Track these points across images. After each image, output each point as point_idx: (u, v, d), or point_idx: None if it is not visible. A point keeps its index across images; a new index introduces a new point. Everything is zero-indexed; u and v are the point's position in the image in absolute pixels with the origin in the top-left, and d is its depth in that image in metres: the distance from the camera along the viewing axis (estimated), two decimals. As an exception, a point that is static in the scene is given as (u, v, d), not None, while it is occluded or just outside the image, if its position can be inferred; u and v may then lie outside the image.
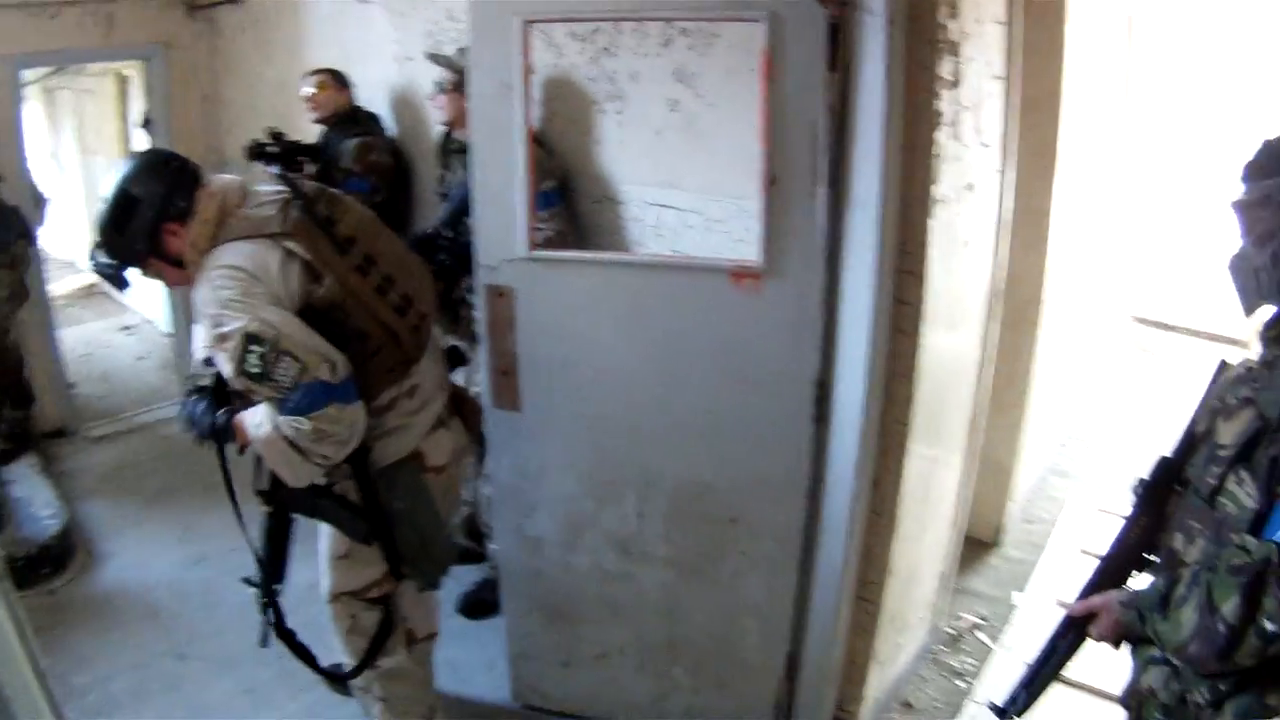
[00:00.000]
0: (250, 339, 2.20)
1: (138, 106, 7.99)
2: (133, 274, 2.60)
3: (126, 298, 8.52)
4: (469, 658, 3.73)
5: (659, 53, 3.12)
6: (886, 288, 2.51)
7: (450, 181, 3.92)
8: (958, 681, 3.57)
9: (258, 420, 2.36)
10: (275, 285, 2.30)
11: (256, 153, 4.50)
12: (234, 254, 2.34)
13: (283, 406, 2.25)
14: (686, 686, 3.21)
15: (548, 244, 3.19)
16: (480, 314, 2.98)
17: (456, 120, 3.72)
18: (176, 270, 2.49)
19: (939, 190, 2.48)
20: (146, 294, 7.41)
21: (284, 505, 2.61)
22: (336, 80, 4.51)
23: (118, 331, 8.42)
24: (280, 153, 4.47)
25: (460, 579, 4.09)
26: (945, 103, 2.41)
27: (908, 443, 2.74)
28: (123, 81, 9.11)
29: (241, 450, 2.51)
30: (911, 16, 2.31)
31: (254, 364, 2.21)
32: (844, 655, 3.06)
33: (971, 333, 3.07)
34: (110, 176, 2.49)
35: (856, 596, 2.97)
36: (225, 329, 2.24)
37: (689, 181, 3.19)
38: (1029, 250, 3.79)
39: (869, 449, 2.70)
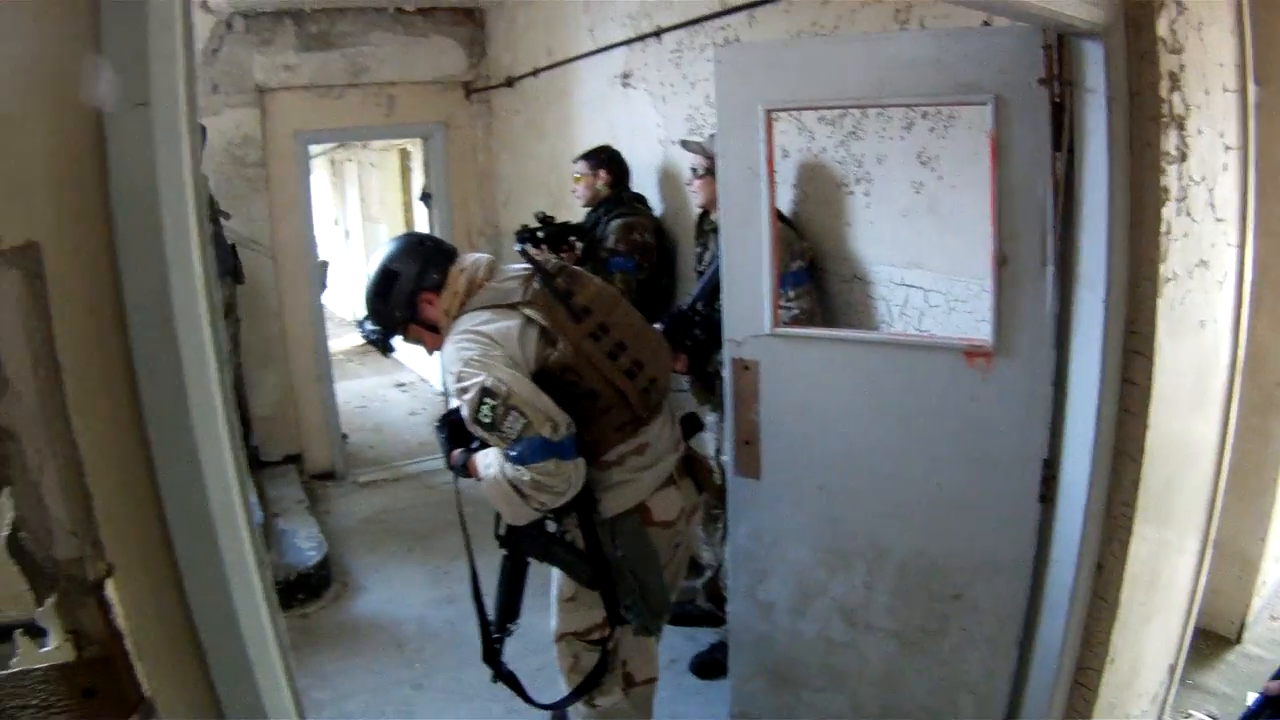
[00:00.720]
0: (485, 393, 2.50)
1: (419, 180, 8.74)
2: (397, 341, 3.01)
3: (403, 358, 9.26)
4: (695, 714, 3.89)
5: (902, 136, 3.29)
6: (1114, 368, 2.52)
7: (706, 260, 4.10)
8: None
9: (488, 461, 2.67)
10: (513, 348, 2.60)
11: (525, 236, 4.74)
12: (478, 320, 2.67)
13: (509, 454, 2.53)
14: None
15: (795, 321, 3.38)
16: (727, 387, 3.18)
17: (710, 203, 3.93)
18: (433, 335, 2.88)
19: (1168, 268, 2.47)
20: (424, 357, 8.04)
21: (519, 549, 2.90)
22: (592, 166, 4.79)
23: (393, 388, 9.15)
24: (548, 235, 4.75)
25: (697, 640, 4.31)
26: (1172, 178, 2.40)
27: (1134, 525, 2.69)
28: (405, 156, 9.91)
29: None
30: (1133, 93, 2.33)
31: (486, 415, 2.51)
32: None
33: (1209, 415, 2.99)
34: (375, 257, 2.95)
35: (1074, 681, 2.92)
36: (465, 384, 2.55)
37: (933, 261, 3.31)
38: (1277, 329, 3.70)
39: (1093, 531, 2.70)
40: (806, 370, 3.03)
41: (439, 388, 8.09)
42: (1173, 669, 3.44)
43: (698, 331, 3.78)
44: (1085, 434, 2.57)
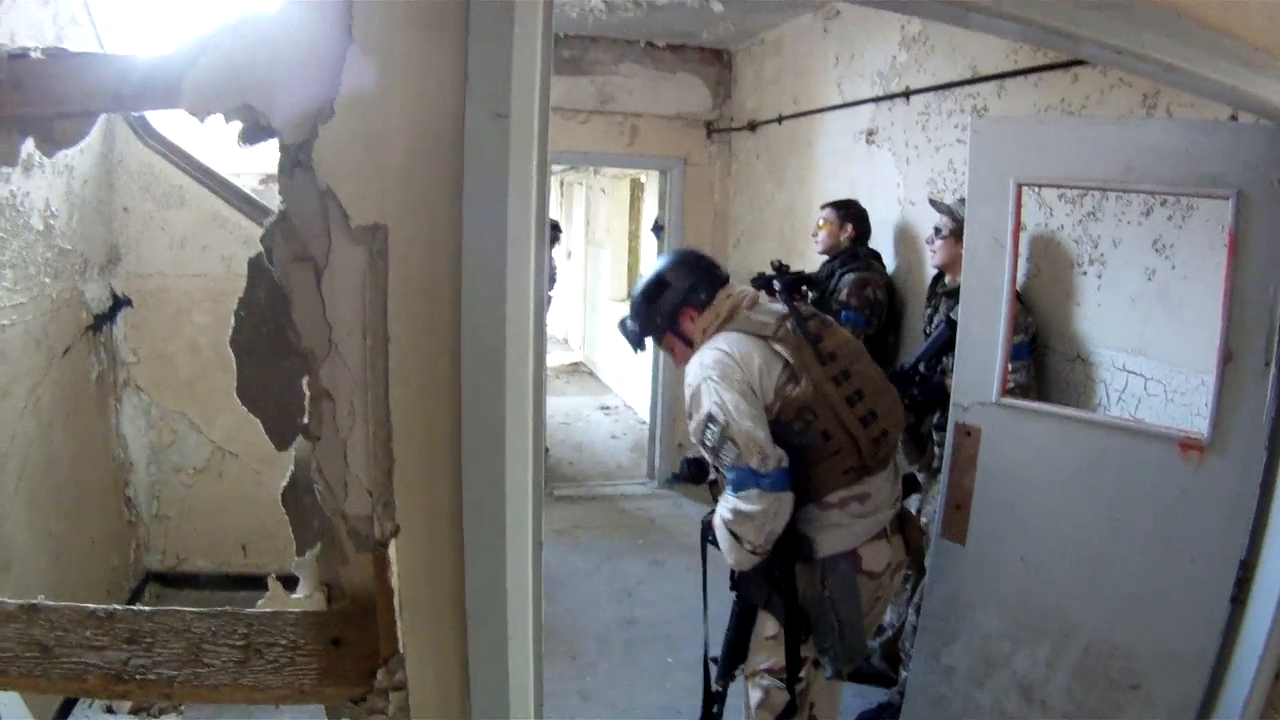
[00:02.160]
0: (709, 419, 2.78)
1: (648, 210, 9.07)
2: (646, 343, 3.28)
3: (611, 382, 9.58)
4: (855, 770, 3.98)
5: (1140, 221, 3.36)
6: None
7: (935, 322, 4.22)
8: None
9: (719, 515, 2.90)
10: (752, 375, 2.83)
11: (762, 283, 4.79)
12: (728, 341, 2.91)
13: (727, 481, 2.81)
14: None
15: (1010, 394, 3.47)
16: (945, 450, 3.31)
17: (948, 265, 4.07)
18: (683, 348, 3.13)
19: None
20: (631, 384, 8.30)
21: (746, 594, 3.07)
22: (841, 217, 4.92)
23: (597, 409, 9.49)
24: (784, 283, 4.84)
25: (865, 697, 4.41)
26: None
27: None
28: (636, 186, 10.26)
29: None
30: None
31: (709, 439, 2.79)
32: None
33: None
34: (654, 262, 3.23)
35: None
36: (697, 401, 2.85)
37: (1156, 350, 3.35)
38: None
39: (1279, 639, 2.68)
40: (1025, 442, 3.13)
41: (643, 416, 8.35)
42: None
43: (915, 391, 3.91)
44: None
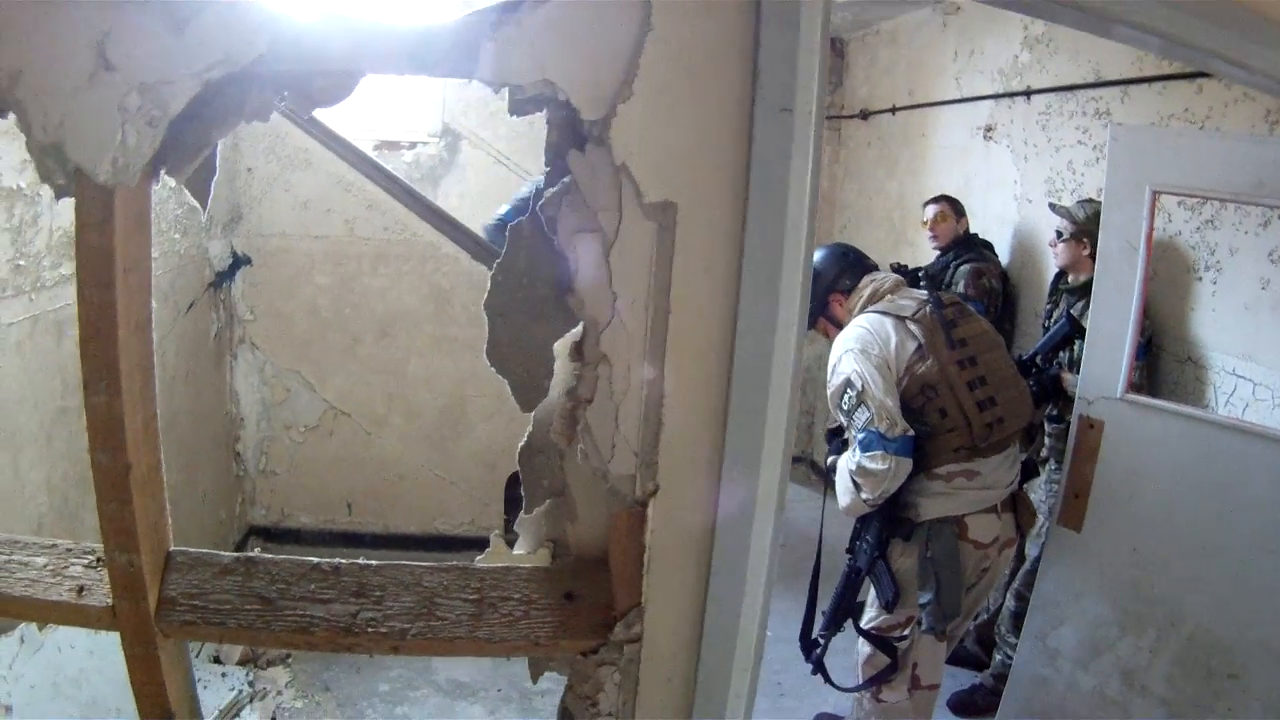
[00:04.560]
0: (847, 384, 3.09)
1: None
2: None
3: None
4: (947, 744, 4.15)
5: (1258, 232, 3.48)
6: None
7: (1054, 317, 4.29)
8: None
9: (844, 460, 3.18)
10: (888, 352, 3.10)
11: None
12: (869, 320, 3.21)
13: (855, 439, 3.06)
14: None
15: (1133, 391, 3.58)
16: (1069, 441, 3.47)
17: (1070, 266, 4.18)
18: (835, 332, 3.39)
19: None
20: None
21: (854, 561, 3.30)
22: (956, 209, 5.06)
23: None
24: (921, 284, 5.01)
25: (957, 678, 4.54)
26: None
27: None
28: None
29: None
30: None
31: (845, 403, 3.10)
32: None
33: None
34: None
35: None
36: (838, 368, 3.16)
37: (1267, 357, 3.47)
38: None
39: None
40: (1146, 438, 3.27)
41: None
42: None
43: (1032, 383, 3.93)
44: None
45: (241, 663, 4.27)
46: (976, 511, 3.15)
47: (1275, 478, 2.96)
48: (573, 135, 1.41)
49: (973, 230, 5.07)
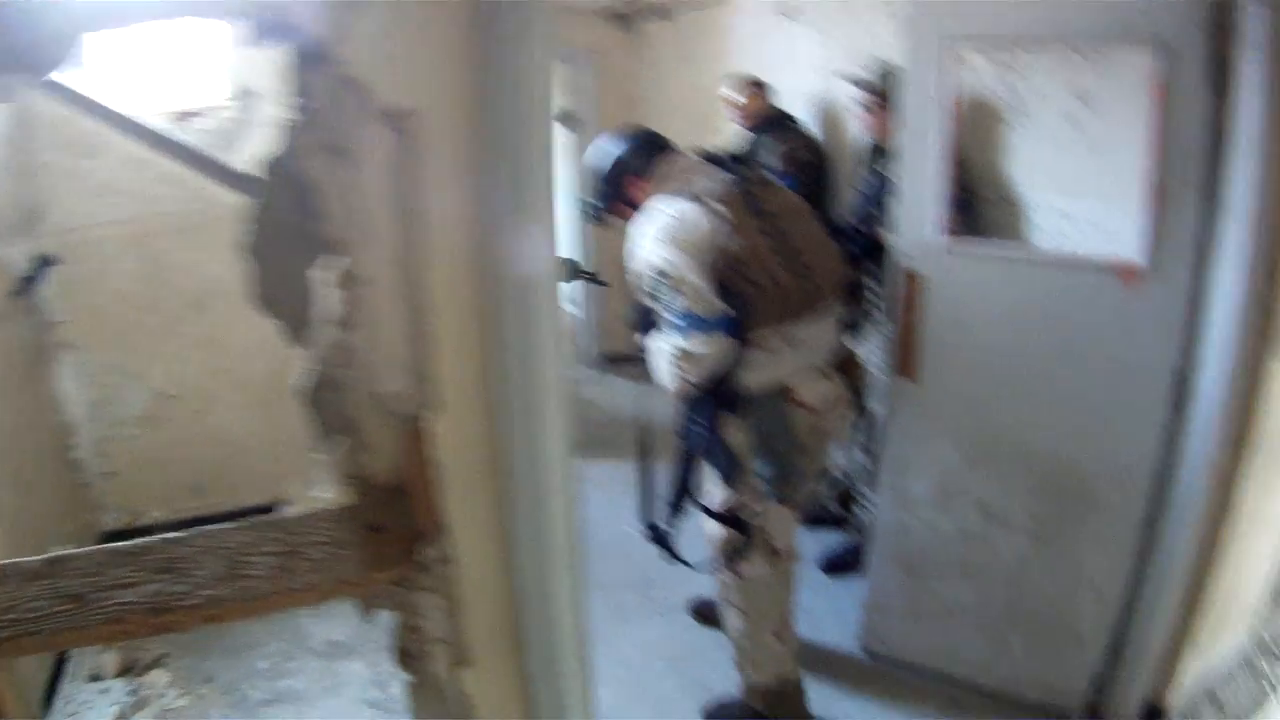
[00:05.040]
0: (660, 274, 2.95)
1: (556, 103, 9.07)
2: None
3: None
4: (822, 608, 4.29)
5: (1062, 72, 3.59)
6: (1254, 293, 2.77)
7: (869, 181, 4.38)
8: (1271, 691, 3.64)
9: (660, 341, 3.07)
10: (693, 232, 2.97)
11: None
12: (671, 203, 3.08)
13: (671, 326, 2.96)
14: (1018, 649, 3.56)
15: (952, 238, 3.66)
16: (892, 293, 3.50)
17: (879, 133, 4.25)
18: (635, 216, 3.27)
19: None
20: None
21: (686, 443, 3.24)
22: (758, 87, 5.07)
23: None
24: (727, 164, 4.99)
25: (825, 541, 4.73)
26: None
27: (1258, 441, 2.92)
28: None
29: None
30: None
31: (658, 291, 2.96)
32: (1166, 640, 3.25)
33: None
34: (602, 138, 3.49)
35: (1190, 585, 3.16)
36: (644, 256, 3.02)
37: (1080, 188, 3.60)
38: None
39: (1221, 443, 2.94)
40: (969, 281, 3.33)
41: (572, 309, 8.42)
42: (1275, 589, 3.66)
43: (851, 246, 4.06)
44: (1222, 351, 2.86)
45: (119, 674, 4.12)
46: (801, 375, 3.14)
47: (1101, 303, 3.08)
48: (306, 56, 1.37)
49: (781, 108, 5.07)
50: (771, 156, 4.86)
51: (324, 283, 1.48)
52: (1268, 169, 2.68)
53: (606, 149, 3.40)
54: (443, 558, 1.56)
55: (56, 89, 4.19)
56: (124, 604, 1.42)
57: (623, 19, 7.25)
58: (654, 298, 3.02)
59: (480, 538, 1.62)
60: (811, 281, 3.09)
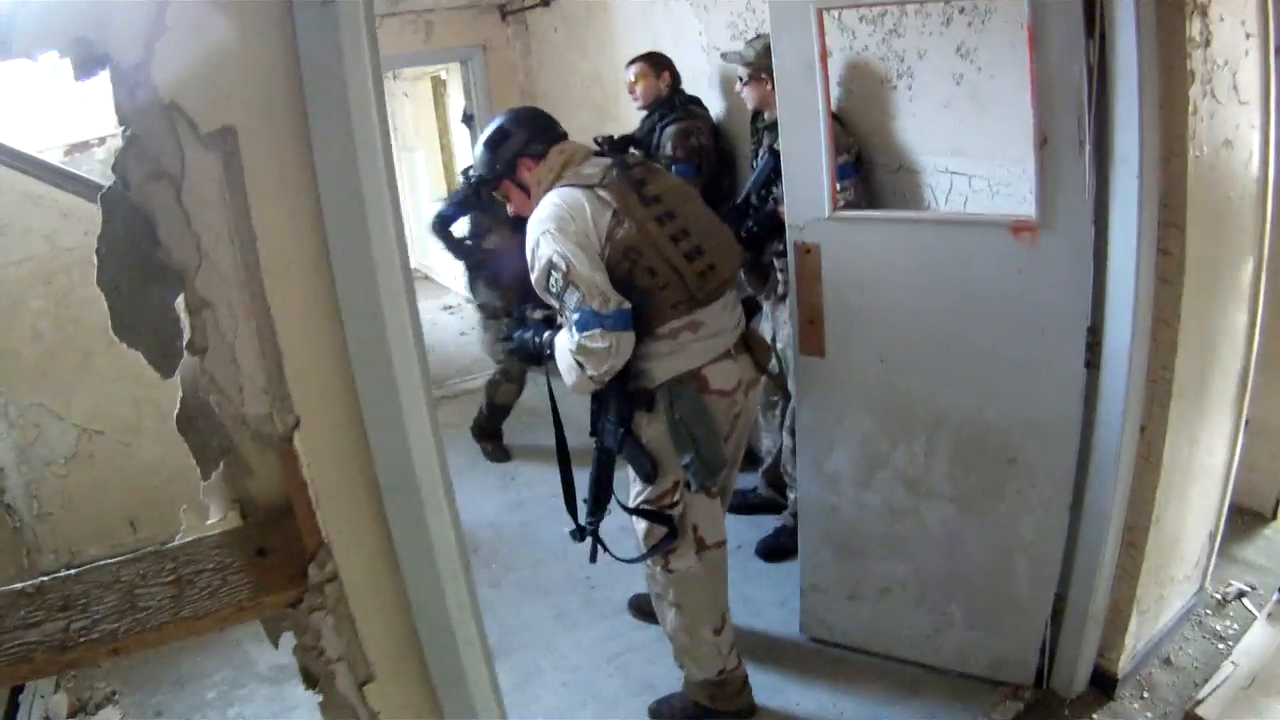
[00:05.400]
0: (551, 266, 2.92)
1: (454, 105, 8.96)
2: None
3: (448, 283, 9.55)
4: (763, 596, 4.23)
5: (941, 31, 3.52)
6: (1150, 238, 2.76)
7: (760, 155, 4.29)
8: (1219, 645, 3.69)
9: (561, 339, 3.07)
10: (585, 224, 2.97)
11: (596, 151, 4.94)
12: (560, 195, 3.06)
13: (571, 322, 2.93)
14: (960, 623, 3.51)
15: (846, 208, 3.58)
16: (790, 270, 3.41)
17: (762, 103, 4.16)
18: (520, 196, 3.31)
19: (1196, 145, 2.69)
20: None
21: (601, 442, 3.20)
22: (655, 66, 4.91)
23: (441, 311, 9.46)
24: (609, 151, 4.89)
25: (760, 526, 4.65)
26: (1197, 61, 2.62)
27: (1173, 388, 2.94)
28: (438, 84, 10.12)
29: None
30: (1158, -18, 2.56)
31: (553, 285, 2.94)
32: (1108, 601, 3.27)
33: (1238, 290, 3.22)
34: (498, 115, 3.45)
35: (1123, 542, 3.17)
36: (538, 253, 2.98)
37: (975, 148, 3.54)
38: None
39: (1137, 393, 2.94)
40: (865, 251, 3.26)
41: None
42: (1213, 536, 3.65)
43: (751, 224, 4.03)
44: (1125, 301, 2.83)
45: (71, 716, 4.08)
46: (711, 361, 3.11)
47: (1003, 260, 3.00)
48: (124, 84, 1.34)
49: (679, 89, 4.96)
50: (667, 141, 4.77)
51: (182, 308, 1.47)
52: (1149, 112, 2.63)
53: (501, 125, 3.36)
54: (330, 575, 1.56)
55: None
56: (29, 643, 1.42)
57: (503, 10, 7.14)
58: (550, 293, 3.00)
59: (365, 553, 1.63)
60: (709, 264, 3.06)
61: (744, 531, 4.64)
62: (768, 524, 4.68)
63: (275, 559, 1.52)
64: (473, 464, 5.93)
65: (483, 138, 3.38)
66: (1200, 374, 3.14)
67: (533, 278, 3.05)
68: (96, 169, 4.60)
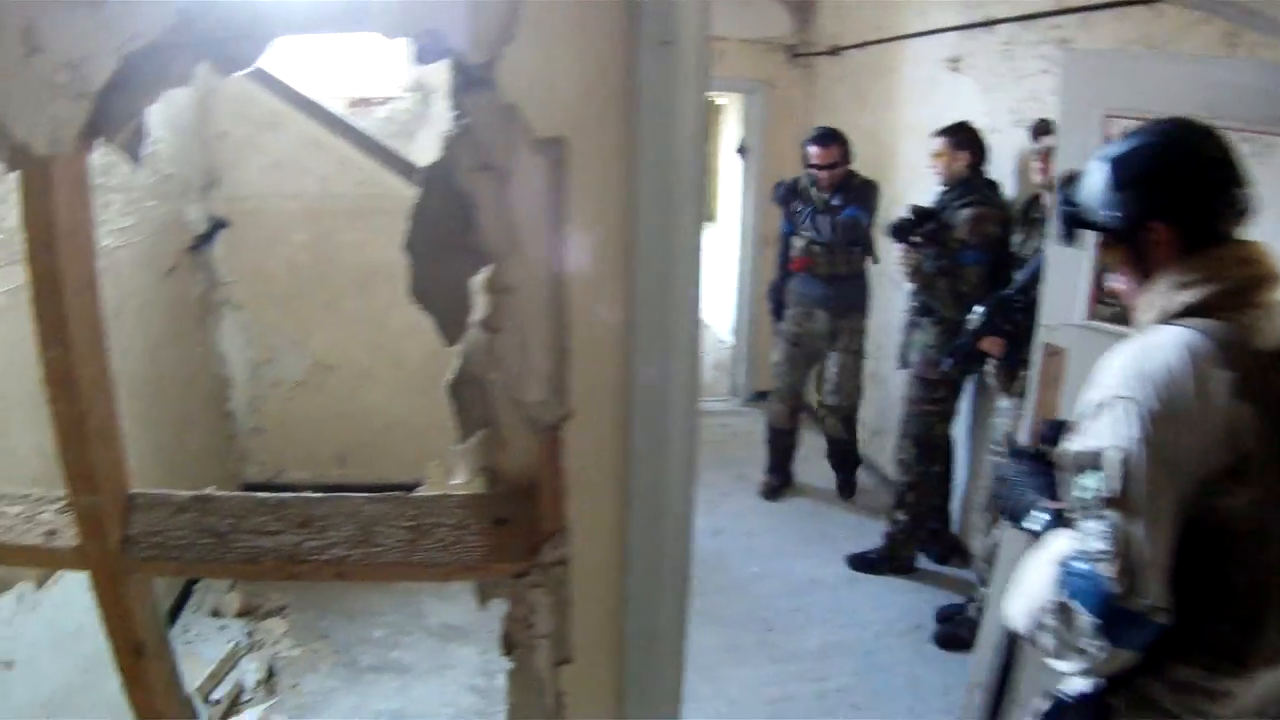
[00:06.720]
0: (1100, 460, 1.70)
1: (726, 133, 9.16)
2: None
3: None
4: (931, 680, 4.23)
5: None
6: None
7: (1029, 246, 4.11)
8: None
9: (1054, 551, 1.82)
10: (1185, 432, 1.66)
11: (898, 230, 4.49)
12: (1187, 354, 1.69)
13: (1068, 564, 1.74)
14: None
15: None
16: (1032, 367, 3.35)
17: (1050, 186, 3.81)
18: (1133, 278, 1.96)
19: None
20: (710, 304, 8.48)
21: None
22: (955, 143, 4.57)
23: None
24: (924, 230, 4.48)
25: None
26: None
27: None
28: (713, 110, 10.35)
29: None
30: None
31: (1082, 488, 1.74)
32: None
33: None
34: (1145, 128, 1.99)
35: None
36: (1093, 425, 1.77)
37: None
38: None
39: None
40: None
41: (726, 338, 8.48)
42: None
43: (1019, 316, 3.87)
44: None
45: (239, 615, 4.35)
46: None
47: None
48: (466, 78, 1.45)
49: (980, 169, 4.65)
50: (960, 225, 4.43)
51: (480, 287, 1.57)
52: None
53: (1162, 151, 1.92)
54: (561, 558, 1.62)
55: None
56: (261, 548, 1.55)
57: (793, 51, 7.32)
58: (1074, 495, 1.78)
59: (597, 545, 1.67)
60: None
61: (925, 610, 4.65)
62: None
63: (513, 530, 1.60)
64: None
65: (1122, 149, 1.94)
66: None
67: (1066, 451, 1.84)
68: (375, 126, 4.95)
